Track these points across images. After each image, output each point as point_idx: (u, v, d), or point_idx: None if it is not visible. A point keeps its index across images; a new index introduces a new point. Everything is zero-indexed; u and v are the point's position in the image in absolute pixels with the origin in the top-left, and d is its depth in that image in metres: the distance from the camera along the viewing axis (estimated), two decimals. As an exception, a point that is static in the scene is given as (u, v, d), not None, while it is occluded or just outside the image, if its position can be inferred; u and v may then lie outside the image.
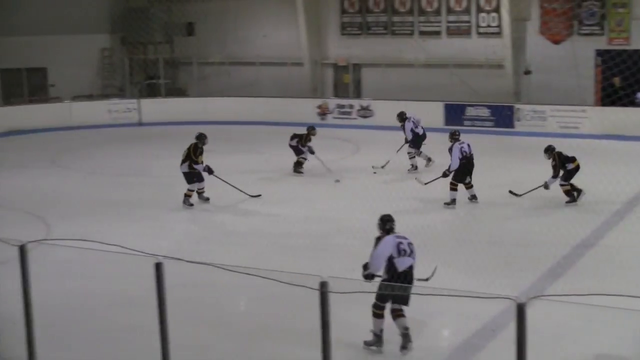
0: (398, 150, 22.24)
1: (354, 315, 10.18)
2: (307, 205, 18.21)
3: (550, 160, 17.63)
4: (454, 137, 18.34)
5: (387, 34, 32.66)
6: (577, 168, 17.60)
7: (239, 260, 12.85)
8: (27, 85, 33.45)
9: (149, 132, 30.53)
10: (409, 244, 10.31)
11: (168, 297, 7.32)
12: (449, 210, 17.56)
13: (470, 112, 29.09)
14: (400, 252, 10.17)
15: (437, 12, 31.42)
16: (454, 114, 29.13)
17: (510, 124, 28.24)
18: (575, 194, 17.68)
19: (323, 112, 31.48)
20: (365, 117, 30.51)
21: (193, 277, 11.88)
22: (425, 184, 18.94)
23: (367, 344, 10.25)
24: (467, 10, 30.81)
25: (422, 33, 31.84)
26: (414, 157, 22.01)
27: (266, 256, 14.13)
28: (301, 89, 33.47)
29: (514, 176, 19.30)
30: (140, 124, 32.03)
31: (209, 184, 18.73)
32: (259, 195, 19.13)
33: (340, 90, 33.83)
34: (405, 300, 10.18)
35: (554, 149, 17.83)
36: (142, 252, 7.97)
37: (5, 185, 21.35)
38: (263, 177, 21.45)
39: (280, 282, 7.37)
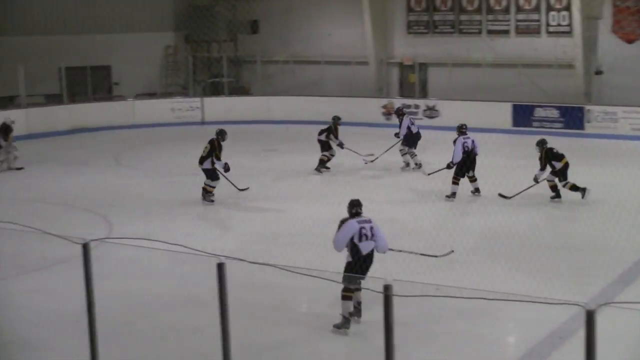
0: (391, 148, 23.02)
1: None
2: (370, 207, 18.12)
3: (538, 154, 18.23)
4: (461, 130, 19.25)
5: (454, 32, 32.50)
6: (566, 166, 18.13)
7: (303, 261, 12.89)
8: (91, 83, 33.85)
9: (212, 131, 30.64)
10: (372, 228, 11.19)
11: (230, 297, 7.37)
12: (519, 213, 17.38)
13: (539, 113, 28.78)
14: (362, 236, 11.06)
15: (506, 11, 31.17)
16: (522, 115, 28.86)
17: (580, 126, 27.86)
18: (559, 192, 18.31)
19: (388, 112, 31.39)
20: (431, 117, 30.35)
21: (256, 278, 11.97)
22: (429, 174, 20.03)
23: (336, 326, 10.96)
24: (536, 9, 30.51)
25: (490, 32, 31.62)
26: (406, 154, 22.66)
27: (329, 258, 14.11)
28: (366, 88, 33.44)
29: (580, 179, 18.95)
30: (203, 122, 32.25)
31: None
32: (247, 189, 19.73)
33: (405, 90, 33.72)
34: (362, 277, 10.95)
35: (545, 143, 18.34)
36: (204, 252, 8.02)
37: (68, 183, 21.67)
38: (324, 178, 21.50)
39: (341, 283, 7.37)
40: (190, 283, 12.67)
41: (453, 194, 18.73)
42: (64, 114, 30.33)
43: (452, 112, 28.19)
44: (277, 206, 18.49)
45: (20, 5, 33.95)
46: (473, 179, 19.02)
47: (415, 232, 15.65)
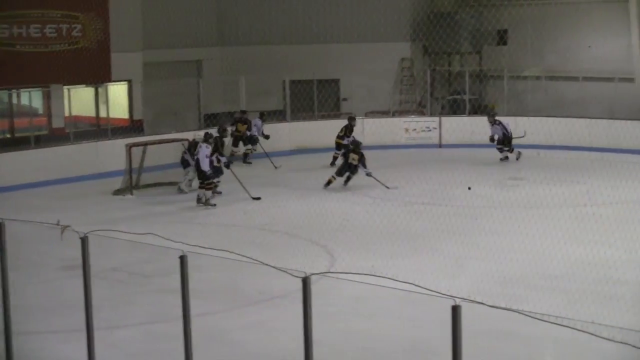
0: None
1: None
2: (631, 248, 17.64)
3: None
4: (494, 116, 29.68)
5: None
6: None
7: (549, 307, 12.70)
8: (318, 98, 34.50)
9: (449, 154, 30.77)
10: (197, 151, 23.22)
11: (465, 345, 7.34)
12: None
13: None
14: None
15: None
16: None
17: None
18: None
19: (657, 138, 30.38)
20: None
21: (495, 325, 11.87)
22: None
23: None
24: None
25: None
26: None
27: (583, 305, 13.84)
28: (631, 109, 32.47)
29: None
30: (440, 145, 32.32)
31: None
32: (259, 198, 23.26)
33: (680, 111, 32.62)
34: None
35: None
36: (437, 292, 8.03)
37: (288, 210, 22.22)
38: (582, 212, 21.05)
39: (598, 336, 7.20)
40: (420, 327, 12.71)
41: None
42: (286, 133, 31.16)
43: None
44: (520, 243, 18.25)
45: (242, 13, 35.27)
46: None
47: None
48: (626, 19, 32.73)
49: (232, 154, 28.68)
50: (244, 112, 30.40)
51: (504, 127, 29.45)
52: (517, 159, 29.22)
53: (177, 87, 31.66)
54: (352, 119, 27.94)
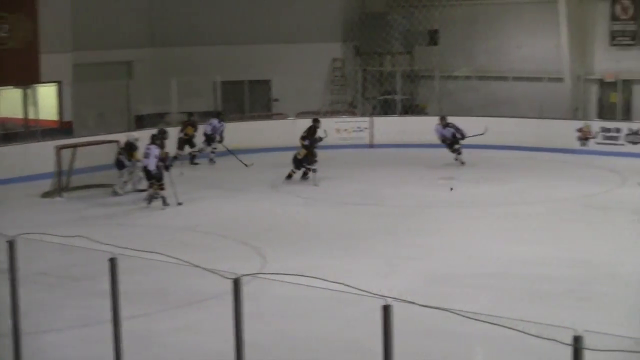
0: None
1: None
2: (561, 246, 17.86)
3: None
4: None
5: (666, 45, 31.70)
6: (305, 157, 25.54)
7: (481, 306, 12.78)
8: (249, 99, 34.45)
9: (380, 154, 30.84)
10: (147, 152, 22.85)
11: (397, 344, 7.36)
12: None
13: None
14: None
15: None
16: None
17: None
18: None
19: (584, 137, 30.75)
20: (634, 143, 29.59)
21: (426, 324, 11.92)
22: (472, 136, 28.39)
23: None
24: None
25: None
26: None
27: (513, 303, 13.96)
28: (560, 108, 32.84)
29: None
30: (371, 145, 32.39)
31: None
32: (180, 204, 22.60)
33: (606, 111, 32.99)
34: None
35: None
36: (368, 292, 8.03)
37: (219, 211, 22.14)
38: (512, 211, 21.24)
39: (526, 333, 7.24)
40: (352, 327, 12.72)
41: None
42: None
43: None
44: (451, 242, 18.38)
45: (173, 14, 35.06)
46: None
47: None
48: (555, 19, 33.04)
49: (176, 157, 28.27)
50: (191, 114, 30.21)
51: (457, 129, 28.72)
52: (462, 163, 28.41)
53: (107, 89, 31.37)
54: (316, 121, 27.09)
